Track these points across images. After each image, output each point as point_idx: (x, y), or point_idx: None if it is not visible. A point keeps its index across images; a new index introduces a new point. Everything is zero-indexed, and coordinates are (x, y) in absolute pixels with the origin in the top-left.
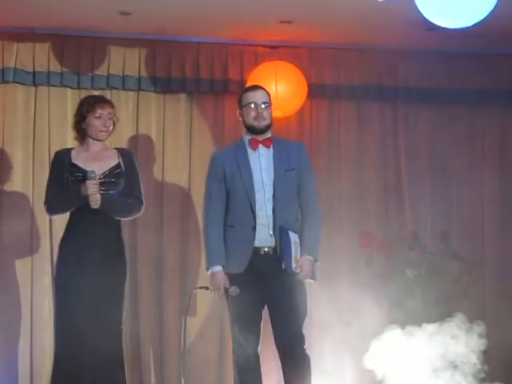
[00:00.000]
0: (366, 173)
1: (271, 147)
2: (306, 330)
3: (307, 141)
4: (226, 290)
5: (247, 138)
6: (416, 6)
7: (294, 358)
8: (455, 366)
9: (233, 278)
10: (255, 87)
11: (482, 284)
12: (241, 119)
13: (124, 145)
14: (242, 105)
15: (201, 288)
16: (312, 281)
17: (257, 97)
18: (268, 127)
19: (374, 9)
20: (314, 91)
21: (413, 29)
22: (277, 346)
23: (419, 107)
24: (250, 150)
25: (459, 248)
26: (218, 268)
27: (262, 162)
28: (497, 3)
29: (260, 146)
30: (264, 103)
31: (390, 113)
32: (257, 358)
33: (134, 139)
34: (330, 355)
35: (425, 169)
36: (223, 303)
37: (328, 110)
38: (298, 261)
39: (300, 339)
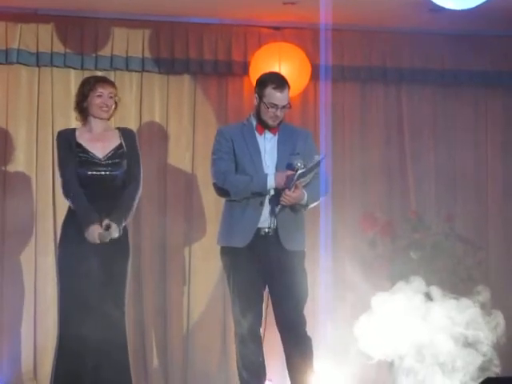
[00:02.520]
0: (370, 155)
1: (277, 133)
2: (309, 312)
3: (311, 122)
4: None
5: (254, 122)
6: None
7: (295, 340)
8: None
9: (235, 253)
10: (283, 86)
11: (486, 265)
12: (255, 103)
13: (127, 125)
14: (262, 95)
15: None
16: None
17: (281, 99)
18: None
19: None
20: (318, 72)
21: (416, 10)
22: (278, 328)
23: (423, 89)
24: (256, 133)
25: (463, 229)
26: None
27: (266, 145)
28: None
29: (266, 131)
30: (284, 106)
31: (393, 94)
32: (258, 338)
33: (138, 120)
34: (333, 337)
35: (429, 150)
36: (226, 285)
37: (332, 91)
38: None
39: (301, 321)
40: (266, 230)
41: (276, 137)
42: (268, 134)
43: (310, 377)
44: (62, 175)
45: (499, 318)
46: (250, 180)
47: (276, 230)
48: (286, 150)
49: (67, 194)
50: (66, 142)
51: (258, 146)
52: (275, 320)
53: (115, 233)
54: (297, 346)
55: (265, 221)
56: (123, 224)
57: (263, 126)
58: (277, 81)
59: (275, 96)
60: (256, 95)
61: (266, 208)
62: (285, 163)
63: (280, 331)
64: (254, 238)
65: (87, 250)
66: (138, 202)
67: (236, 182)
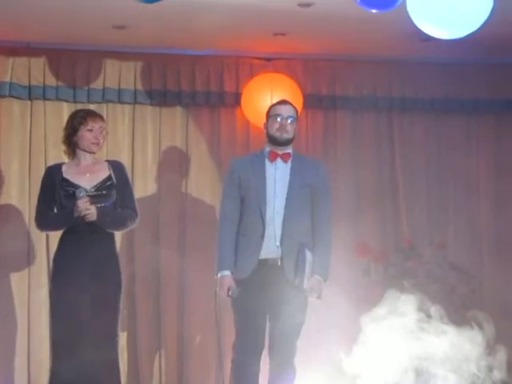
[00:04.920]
0: (362, 182)
1: (289, 162)
2: (301, 338)
3: (303, 152)
4: (229, 291)
5: (267, 149)
6: (410, 17)
7: (281, 367)
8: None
9: (239, 285)
10: (285, 102)
11: (480, 293)
12: (265, 131)
13: (120, 158)
14: (268, 116)
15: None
16: (318, 300)
17: (284, 110)
18: (289, 141)
19: (368, 20)
20: (310, 102)
21: (407, 39)
22: (269, 353)
23: (414, 117)
24: (267, 162)
25: (456, 258)
26: (227, 273)
27: (277, 175)
28: (490, 14)
29: (278, 159)
30: (290, 117)
31: (385, 123)
32: (258, 366)
33: (131, 152)
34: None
35: (421, 178)
36: (222, 313)
37: (323, 120)
38: (310, 280)
39: (292, 351)
40: (272, 261)
41: (289, 165)
42: (280, 163)
43: None
44: (36, 212)
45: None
46: (223, 243)
47: (282, 261)
48: (297, 180)
49: (39, 226)
50: (49, 179)
51: (264, 177)
52: (268, 345)
53: (93, 215)
54: (280, 373)
55: (271, 251)
56: (107, 221)
57: (276, 144)
58: (279, 100)
59: (277, 108)
60: (264, 122)
61: (269, 240)
62: (295, 194)
63: (269, 355)
64: (260, 267)
65: (79, 282)
66: (131, 226)
67: (219, 237)
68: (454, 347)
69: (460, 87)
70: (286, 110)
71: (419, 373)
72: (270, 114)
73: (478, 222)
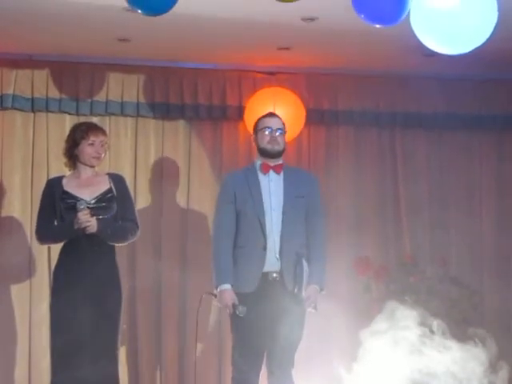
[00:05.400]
0: (364, 198)
1: (281, 174)
2: (301, 354)
3: (305, 167)
4: (234, 308)
5: (259, 162)
6: (414, 32)
7: (279, 380)
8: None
9: (241, 299)
10: (272, 114)
11: (481, 309)
12: (254, 144)
13: (122, 171)
14: (257, 129)
15: (208, 294)
16: (314, 311)
17: (272, 123)
18: (280, 153)
19: (372, 34)
20: (312, 117)
21: (411, 54)
22: (267, 366)
23: (417, 132)
24: (260, 175)
25: (458, 273)
26: (227, 286)
27: (271, 187)
28: (494, 30)
29: (271, 171)
30: (279, 129)
31: (387, 138)
32: (257, 383)
33: (133, 165)
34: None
35: (423, 193)
36: (222, 328)
37: (326, 135)
38: (306, 290)
39: (290, 363)
40: (274, 275)
41: (281, 177)
42: (273, 175)
43: None
44: (36, 224)
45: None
46: (217, 260)
47: (282, 275)
48: (291, 191)
49: (39, 239)
50: (49, 192)
51: (259, 189)
52: (266, 359)
53: (94, 226)
54: None
55: (272, 264)
56: (107, 233)
57: (268, 157)
58: (266, 114)
59: (265, 121)
60: (253, 136)
61: (269, 252)
62: (291, 206)
63: (268, 370)
64: (263, 282)
65: (79, 295)
66: (132, 239)
67: (219, 262)
68: (455, 363)
69: (462, 103)
70: (274, 123)
71: None
72: (259, 128)
73: (480, 238)
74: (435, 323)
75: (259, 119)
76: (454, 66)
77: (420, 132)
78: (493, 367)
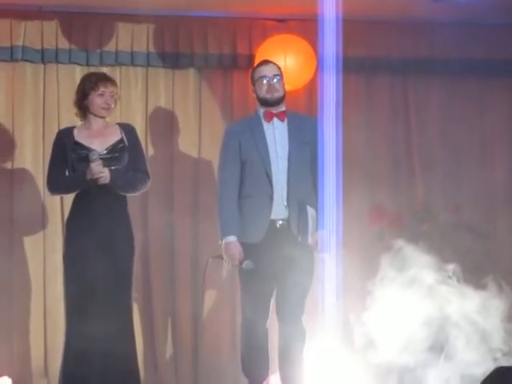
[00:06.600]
0: (376, 146)
1: (286, 120)
2: (313, 303)
3: (316, 114)
4: (240, 262)
5: (262, 110)
6: None
7: (290, 329)
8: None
9: (248, 249)
10: (265, 62)
11: (494, 255)
12: (254, 95)
13: (133, 121)
14: (254, 80)
15: (215, 257)
16: (327, 254)
17: (268, 70)
18: (281, 99)
19: None
20: (324, 64)
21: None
22: (277, 316)
23: (429, 79)
24: (264, 123)
25: (470, 219)
26: (233, 238)
27: (276, 135)
28: None
29: (275, 119)
30: (275, 76)
31: (399, 85)
32: (265, 333)
33: (144, 115)
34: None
35: (436, 141)
36: (236, 274)
37: (337, 82)
38: (314, 235)
39: (300, 311)
40: (281, 222)
41: (285, 124)
42: (277, 123)
43: (298, 367)
44: (47, 175)
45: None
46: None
47: (289, 222)
48: (296, 138)
49: (50, 189)
50: (60, 142)
51: (265, 138)
52: (275, 308)
53: (106, 177)
54: (290, 334)
55: (280, 212)
56: (119, 184)
57: (269, 106)
58: (260, 62)
59: (261, 70)
60: (251, 87)
61: (276, 201)
62: (296, 153)
63: (278, 319)
64: (270, 229)
65: (92, 246)
66: (143, 189)
67: (224, 213)
68: (472, 310)
69: (475, 48)
70: (270, 70)
71: (435, 334)
72: (256, 78)
73: (493, 184)
74: (451, 268)
75: (254, 69)
76: (464, 11)
77: (432, 78)
78: (510, 314)
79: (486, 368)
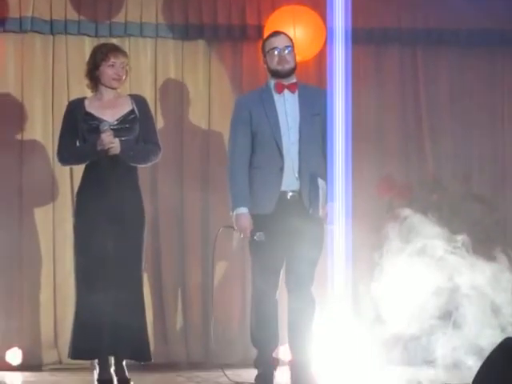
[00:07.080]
0: (386, 117)
1: (296, 92)
2: (322, 275)
3: (325, 85)
4: (252, 233)
5: (272, 82)
6: None
7: (300, 299)
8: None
9: (259, 220)
10: (277, 33)
11: (504, 225)
12: (265, 67)
13: (143, 92)
14: (265, 51)
15: (227, 227)
16: (336, 226)
17: (279, 41)
18: (292, 70)
19: None
20: (333, 35)
21: None
22: (287, 287)
23: (439, 51)
24: (275, 94)
25: (480, 190)
26: (244, 210)
27: (287, 106)
28: None
29: (285, 90)
30: (287, 47)
31: (409, 56)
32: (275, 304)
33: (153, 86)
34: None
35: (445, 111)
36: (246, 246)
37: (346, 53)
38: (324, 207)
39: (310, 281)
40: (291, 194)
41: (296, 96)
42: (288, 94)
43: (307, 337)
44: (58, 145)
45: None
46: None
47: (300, 194)
48: (307, 110)
49: (61, 160)
50: (71, 113)
51: (275, 109)
52: (285, 279)
53: (117, 148)
54: (300, 305)
55: (291, 184)
56: (130, 155)
57: (280, 77)
58: (271, 33)
59: (271, 41)
60: (262, 58)
61: (287, 172)
62: (307, 125)
63: (288, 290)
64: (280, 201)
65: (102, 217)
66: (154, 161)
67: (235, 184)
68: (480, 279)
69: (485, 18)
70: (281, 41)
71: (444, 304)
72: (267, 49)
73: (502, 155)
74: (460, 238)
75: (265, 40)
76: None
77: (442, 49)
78: None
79: (494, 339)
